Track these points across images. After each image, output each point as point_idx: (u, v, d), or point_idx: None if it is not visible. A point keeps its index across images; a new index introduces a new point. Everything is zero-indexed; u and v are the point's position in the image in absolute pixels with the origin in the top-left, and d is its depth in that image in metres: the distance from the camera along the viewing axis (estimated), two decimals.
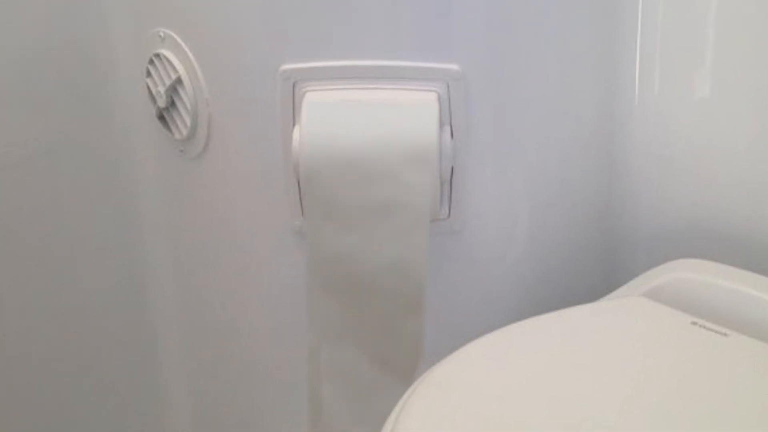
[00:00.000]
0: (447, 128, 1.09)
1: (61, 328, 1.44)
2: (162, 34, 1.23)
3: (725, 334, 0.90)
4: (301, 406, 1.26)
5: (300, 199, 1.15)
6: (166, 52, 1.23)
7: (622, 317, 0.96)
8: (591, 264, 1.25)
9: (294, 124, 1.11)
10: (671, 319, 0.94)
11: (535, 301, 1.20)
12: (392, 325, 1.14)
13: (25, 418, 1.46)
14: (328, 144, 1.05)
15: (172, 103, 1.26)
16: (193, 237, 1.36)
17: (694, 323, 0.93)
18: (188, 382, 1.52)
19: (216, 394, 1.47)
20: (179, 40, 1.21)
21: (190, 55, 1.20)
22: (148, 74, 1.28)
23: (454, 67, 1.07)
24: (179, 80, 1.22)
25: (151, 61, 1.26)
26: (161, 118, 1.29)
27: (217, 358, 1.42)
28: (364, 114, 1.06)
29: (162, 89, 1.25)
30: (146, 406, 1.56)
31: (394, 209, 1.06)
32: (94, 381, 1.50)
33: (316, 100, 1.08)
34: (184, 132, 1.25)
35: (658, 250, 1.18)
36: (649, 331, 0.93)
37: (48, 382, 1.46)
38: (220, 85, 1.19)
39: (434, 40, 1.08)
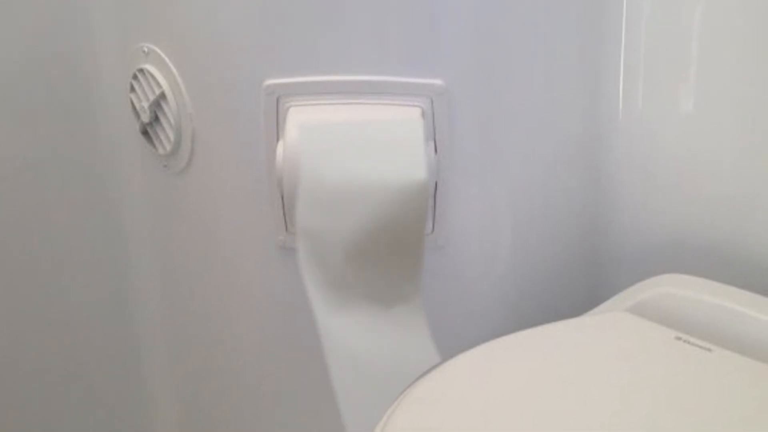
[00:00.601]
0: (431, 143, 1.09)
1: (48, 340, 1.44)
2: (146, 49, 1.23)
3: (709, 350, 0.90)
4: (287, 417, 1.26)
5: (284, 214, 1.14)
6: (149, 67, 1.23)
7: (606, 332, 0.96)
8: (575, 279, 1.25)
9: (278, 139, 1.10)
10: (655, 335, 0.94)
11: (519, 317, 1.20)
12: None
13: (13, 428, 1.45)
14: (312, 162, 1.04)
15: (156, 118, 1.26)
16: (179, 250, 1.36)
17: (679, 338, 0.92)
18: (174, 393, 1.52)
19: (202, 405, 1.46)
20: (163, 55, 1.21)
21: (174, 70, 1.20)
22: (132, 89, 1.27)
23: (438, 82, 1.07)
24: (163, 95, 1.22)
25: (135, 76, 1.26)
26: (145, 133, 1.29)
27: (203, 369, 1.42)
28: (348, 130, 1.05)
29: (146, 104, 1.24)
30: (132, 418, 1.56)
31: (382, 228, 1.06)
32: (81, 392, 1.50)
33: (299, 117, 1.08)
34: (168, 147, 1.24)
35: (643, 265, 1.18)
36: (634, 346, 0.93)
37: (35, 393, 1.46)
38: (204, 100, 1.19)
39: (418, 56, 1.08)
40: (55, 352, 1.46)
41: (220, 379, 1.39)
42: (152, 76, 1.22)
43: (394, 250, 1.08)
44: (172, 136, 1.23)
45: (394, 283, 1.10)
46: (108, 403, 1.53)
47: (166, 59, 1.20)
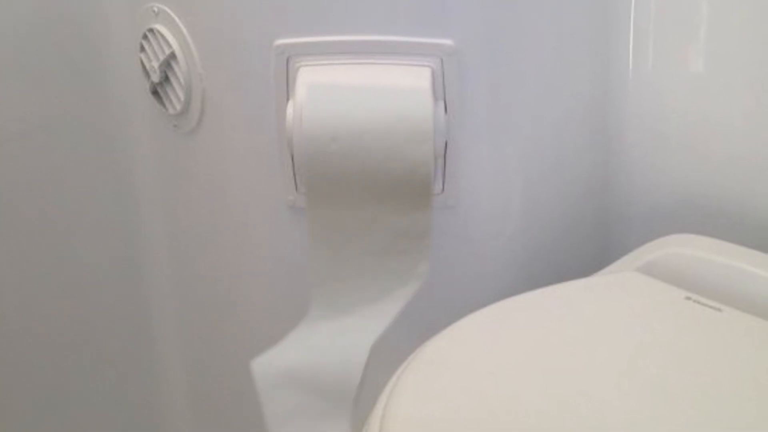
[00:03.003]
0: (441, 103, 1.08)
1: (57, 302, 1.45)
2: (156, 9, 1.22)
3: (719, 309, 0.90)
4: None
5: (294, 173, 1.15)
6: (159, 27, 1.22)
7: (615, 292, 0.96)
8: (585, 240, 1.25)
9: (288, 99, 1.10)
10: (665, 294, 0.94)
11: (529, 277, 1.20)
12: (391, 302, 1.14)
13: (23, 390, 1.46)
14: (321, 122, 1.04)
15: (166, 78, 1.25)
16: (188, 211, 1.36)
17: (688, 298, 0.93)
18: (184, 355, 1.52)
19: (211, 367, 1.47)
20: (173, 14, 1.20)
21: (184, 29, 1.20)
22: (142, 49, 1.27)
23: (448, 42, 1.07)
24: (173, 55, 1.22)
25: (145, 36, 1.25)
26: (155, 93, 1.29)
27: (213, 331, 1.42)
28: (358, 88, 1.05)
29: (156, 64, 1.24)
30: (142, 380, 1.57)
31: (391, 186, 1.06)
32: (91, 354, 1.51)
33: (309, 77, 1.07)
34: (178, 107, 1.24)
35: (652, 225, 1.18)
36: (643, 306, 0.93)
37: (45, 355, 1.46)
38: (214, 59, 1.19)
39: (429, 15, 1.08)
40: (65, 314, 1.46)
41: (229, 341, 1.40)
42: (162, 36, 1.22)
43: (398, 213, 1.08)
44: (182, 96, 1.23)
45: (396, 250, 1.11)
46: (117, 365, 1.54)
47: (176, 19, 1.20)
